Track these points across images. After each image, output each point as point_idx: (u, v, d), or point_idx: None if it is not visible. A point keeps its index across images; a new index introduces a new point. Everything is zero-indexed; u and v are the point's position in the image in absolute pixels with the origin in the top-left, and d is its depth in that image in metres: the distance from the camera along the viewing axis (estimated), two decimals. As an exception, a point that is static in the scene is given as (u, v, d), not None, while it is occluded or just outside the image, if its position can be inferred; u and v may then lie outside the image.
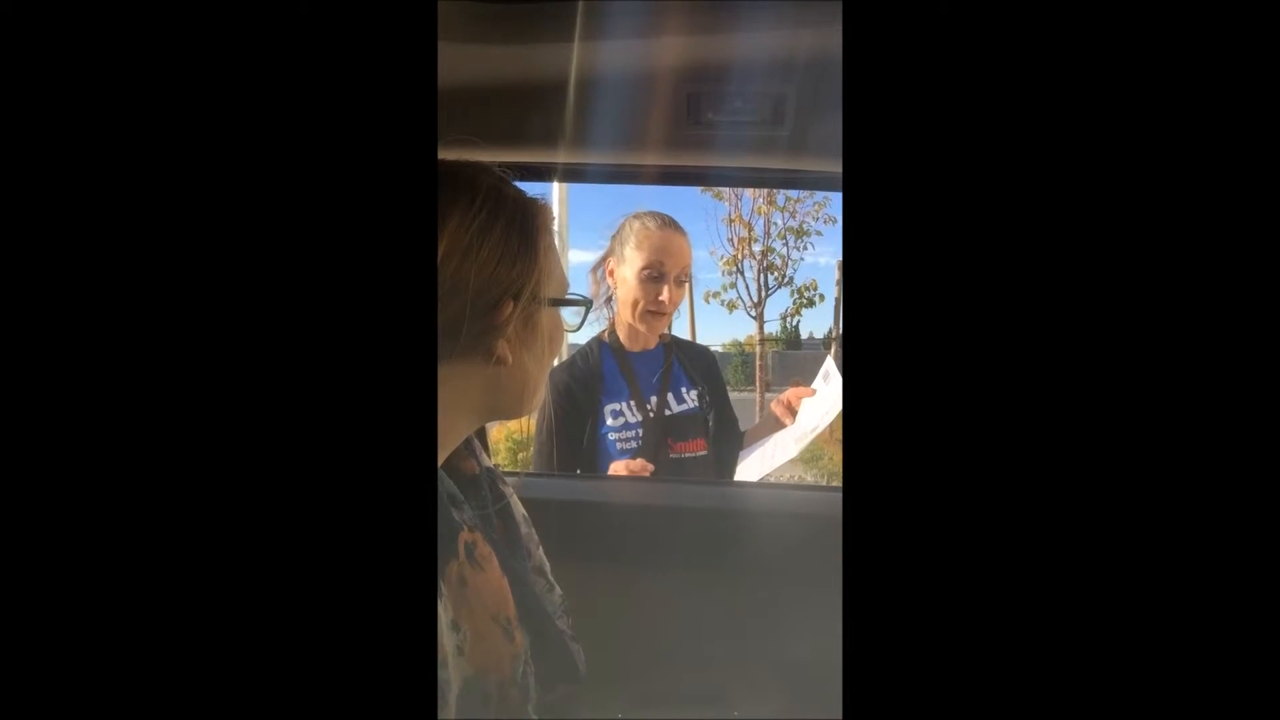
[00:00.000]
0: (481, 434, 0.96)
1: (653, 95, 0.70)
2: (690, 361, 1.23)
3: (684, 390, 1.20)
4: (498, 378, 0.49)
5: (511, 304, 0.47)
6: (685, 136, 0.73)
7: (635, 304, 1.16)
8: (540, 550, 0.60)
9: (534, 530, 0.61)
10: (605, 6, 0.60)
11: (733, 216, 7.13)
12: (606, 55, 0.65)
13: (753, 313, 7.60)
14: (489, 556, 0.47)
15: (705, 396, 1.19)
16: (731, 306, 7.56)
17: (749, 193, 6.93)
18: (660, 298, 1.14)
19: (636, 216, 1.19)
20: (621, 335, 1.20)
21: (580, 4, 0.60)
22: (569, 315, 0.57)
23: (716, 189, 6.89)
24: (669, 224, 1.17)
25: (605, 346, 1.20)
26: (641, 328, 1.18)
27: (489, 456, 0.60)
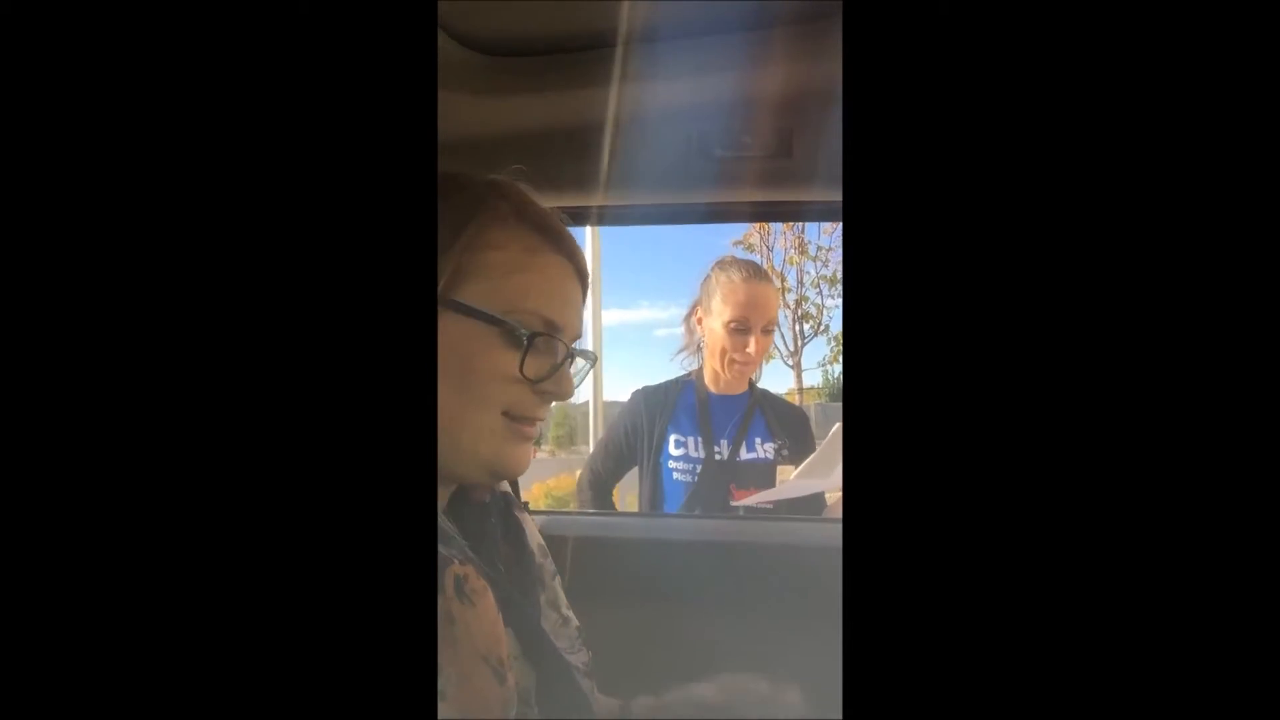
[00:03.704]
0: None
1: (660, 135, 0.72)
2: (777, 417, 1.22)
3: (759, 440, 1.19)
4: None
5: None
6: (695, 173, 0.74)
7: (723, 354, 1.19)
8: (556, 581, 0.57)
9: (550, 560, 0.58)
10: (606, 53, 0.62)
11: (765, 268, 7.17)
12: (611, 100, 0.67)
13: (790, 362, 7.53)
14: (483, 591, 0.43)
15: (783, 451, 1.18)
16: (768, 357, 7.53)
17: (780, 244, 6.98)
18: (747, 350, 1.17)
19: (722, 267, 1.21)
20: (707, 378, 1.23)
21: (580, 54, 0.62)
22: (541, 361, 0.47)
23: (748, 242, 6.97)
24: (754, 275, 1.19)
25: (690, 384, 1.24)
26: (728, 375, 1.20)
27: (505, 483, 0.58)
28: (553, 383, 0.48)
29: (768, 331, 1.19)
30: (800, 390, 7.78)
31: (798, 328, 7.38)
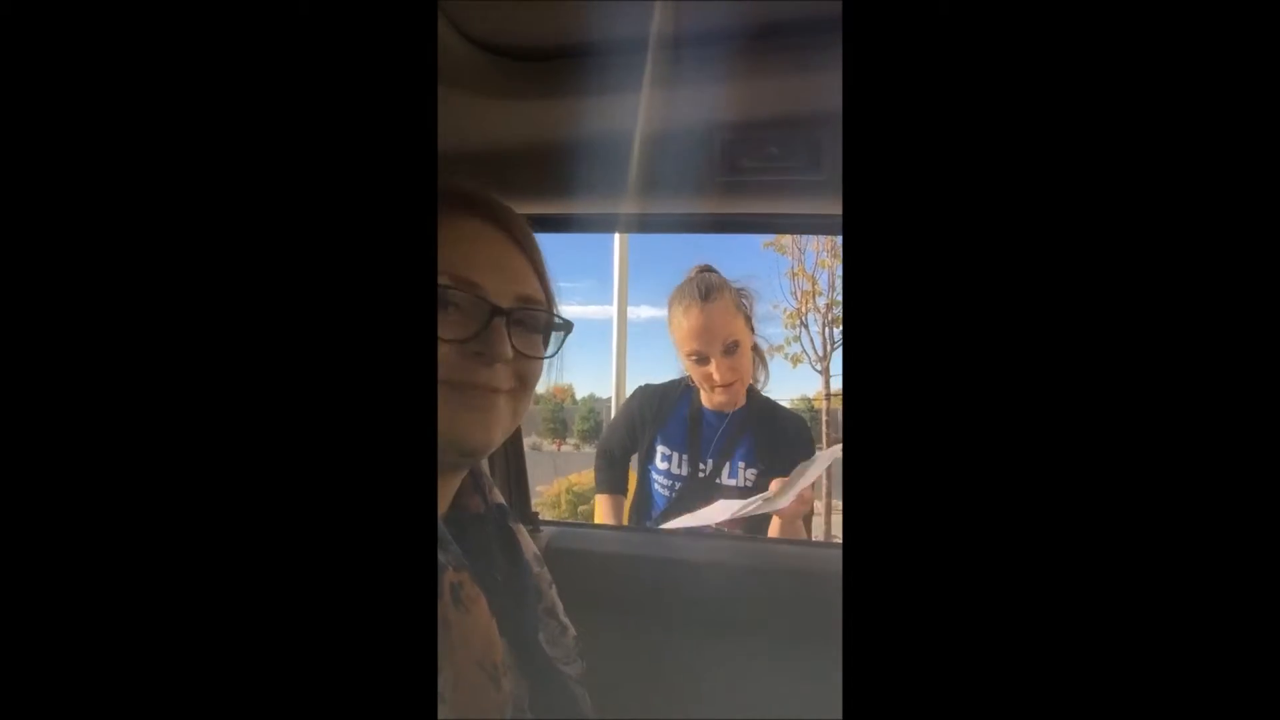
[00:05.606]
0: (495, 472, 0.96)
1: (686, 145, 0.70)
2: (769, 435, 1.14)
3: (742, 465, 1.13)
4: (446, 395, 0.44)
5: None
6: (721, 185, 0.73)
7: (699, 381, 1.14)
8: (553, 590, 0.58)
9: (546, 569, 0.58)
10: (635, 59, 0.61)
11: (795, 270, 7.07)
12: (637, 107, 0.66)
13: (818, 367, 7.43)
14: (476, 598, 0.44)
15: (762, 479, 1.10)
16: (796, 361, 7.41)
17: (812, 246, 6.88)
18: (712, 377, 1.11)
19: (672, 298, 1.14)
20: (703, 393, 1.17)
21: (608, 58, 0.61)
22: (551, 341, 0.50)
23: (779, 244, 6.89)
24: (699, 298, 1.10)
25: (689, 393, 1.18)
26: (715, 398, 1.15)
27: (499, 494, 0.58)
28: (479, 342, 0.45)
29: (730, 351, 1.09)
30: (828, 395, 7.67)
31: (827, 332, 7.27)
